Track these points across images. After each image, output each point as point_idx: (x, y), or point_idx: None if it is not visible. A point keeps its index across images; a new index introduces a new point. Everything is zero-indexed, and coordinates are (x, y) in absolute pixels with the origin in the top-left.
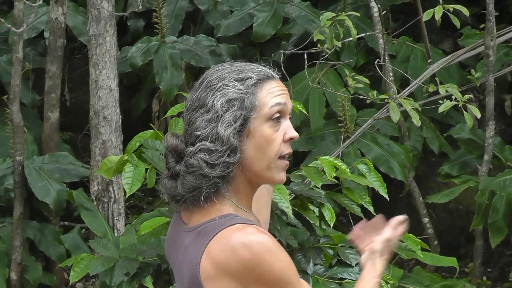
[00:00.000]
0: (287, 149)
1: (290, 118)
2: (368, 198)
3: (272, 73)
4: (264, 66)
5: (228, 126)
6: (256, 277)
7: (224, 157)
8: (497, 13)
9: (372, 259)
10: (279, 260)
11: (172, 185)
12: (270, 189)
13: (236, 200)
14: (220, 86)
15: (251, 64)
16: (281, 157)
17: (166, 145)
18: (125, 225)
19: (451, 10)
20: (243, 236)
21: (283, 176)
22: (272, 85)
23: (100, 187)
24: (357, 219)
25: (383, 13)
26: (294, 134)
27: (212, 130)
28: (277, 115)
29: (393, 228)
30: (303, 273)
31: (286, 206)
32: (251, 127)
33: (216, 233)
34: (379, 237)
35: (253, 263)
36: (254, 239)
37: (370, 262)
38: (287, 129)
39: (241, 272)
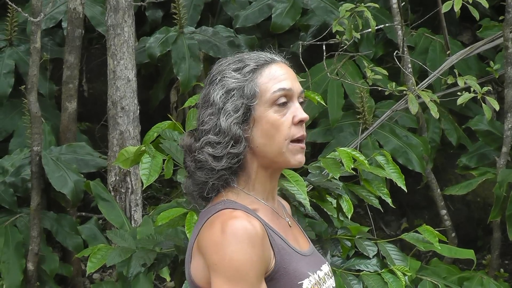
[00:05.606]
0: (299, 132)
1: (302, 101)
2: (386, 189)
3: (273, 57)
4: (270, 52)
5: (228, 116)
6: (218, 259)
7: (228, 148)
8: None
9: None
10: (246, 252)
11: (188, 183)
12: None
13: (248, 188)
14: (219, 79)
15: (255, 52)
16: (294, 140)
17: (182, 145)
18: (143, 216)
19: (470, 1)
20: (226, 217)
21: (300, 158)
22: (273, 70)
23: (117, 178)
24: (375, 211)
25: (402, 4)
26: (303, 115)
27: (214, 123)
28: (282, 99)
29: None
30: None
31: (303, 197)
32: (256, 114)
33: (209, 218)
34: None
35: (219, 244)
36: (234, 221)
37: None
38: (296, 111)
39: (207, 248)
